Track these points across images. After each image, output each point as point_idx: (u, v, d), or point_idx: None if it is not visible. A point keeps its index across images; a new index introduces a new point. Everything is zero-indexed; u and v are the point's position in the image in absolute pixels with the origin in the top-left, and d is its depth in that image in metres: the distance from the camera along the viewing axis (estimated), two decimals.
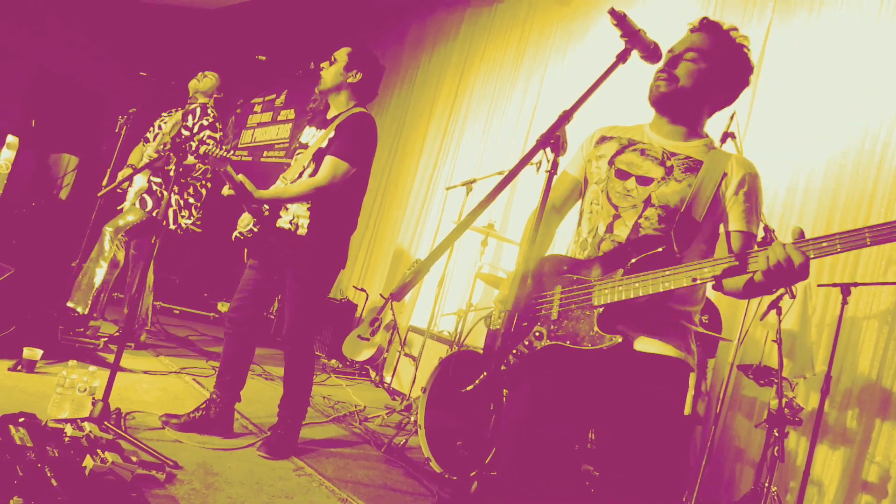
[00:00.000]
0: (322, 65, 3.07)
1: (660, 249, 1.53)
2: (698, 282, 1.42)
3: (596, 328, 1.52)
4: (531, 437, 1.64)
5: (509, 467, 1.68)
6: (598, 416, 1.63)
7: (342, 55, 3.07)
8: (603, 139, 1.80)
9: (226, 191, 2.80)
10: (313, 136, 3.09)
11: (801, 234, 1.31)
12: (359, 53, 3.09)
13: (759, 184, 1.65)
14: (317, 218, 2.93)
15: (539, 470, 1.64)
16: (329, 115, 3.11)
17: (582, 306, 1.57)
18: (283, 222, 2.96)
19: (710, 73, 1.65)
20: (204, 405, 2.98)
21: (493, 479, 2.77)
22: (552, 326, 1.61)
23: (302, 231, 2.93)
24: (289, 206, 2.96)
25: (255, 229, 2.95)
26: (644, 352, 1.56)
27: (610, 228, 1.65)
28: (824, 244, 1.26)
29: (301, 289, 2.95)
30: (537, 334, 1.62)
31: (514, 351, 1.64)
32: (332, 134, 2.98)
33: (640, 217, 1.62)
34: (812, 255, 1.28)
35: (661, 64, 1.64)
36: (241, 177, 2.75)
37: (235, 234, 3.01)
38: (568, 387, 1.63)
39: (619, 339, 1.49)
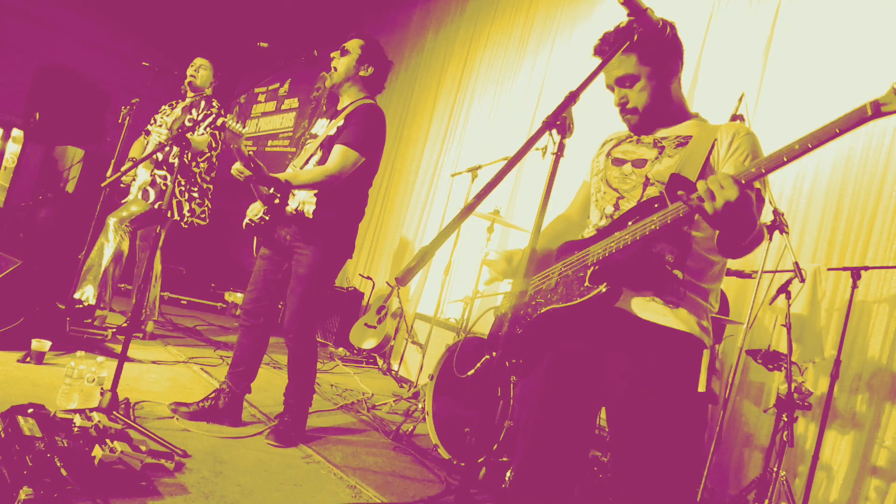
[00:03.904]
0: (332, 55, 3.04)
1: (655, 206, 1.50)
2: (681, 215, 1.38)
3: (587, 283, 1.52)
4: (547, 421, 1.64)
5: (524, 451, 1.68)
6: (607, 391, 1.61)
7: (354, 47, 3.03)
8: (605, 143, 1.87)
9: (235, 169, 2.76)
10: (322, 127, 3.09)
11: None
12: (371, 47, 3.07)
13: (756, 140, 1.62)
14: (322, 203, 2.93)
15: (557, 455, 1.63)
16: (339, 107, 3.10)
17: (577, 269, 1.58)
18: (290, 209, 2.96)
19: (656, 77, 1.67)
20: (213, 395, 2.99)
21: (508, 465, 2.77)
22: (549, 295, 1.62)
23: (308, 215, 2.93)
24: (296, 192, 2.96)
25: (266, 217, 2.94)
26: (657, 323, 1.54)
27: (617, 206, 1.67)
28: (752, 169, 1.27)
29: (305, 274, 2.94)
30: (535, 304, 1.63)
31: (517, 327, 1.64)
32: (341, 123, 2.98)
33: (642, 196, 1.63)
34: (763, 171, 1.26)
35: (616, 99, 1.71)
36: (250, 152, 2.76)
37: (246, 221, 3.00)
38: (573, 357, 1.63)
39: (604, 287, 1.48)
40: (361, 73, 3.05)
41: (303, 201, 2.94)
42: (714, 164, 1.59)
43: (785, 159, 1.23)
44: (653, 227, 1.43)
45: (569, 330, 1.63)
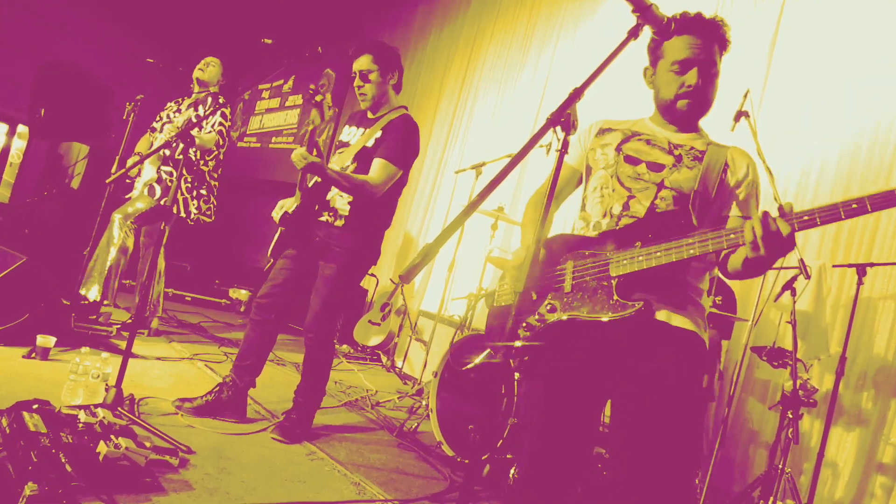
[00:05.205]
0: (356, 84, 3.00)
1: (682, 221, 1.54)
2: (726, 247, 1.42)
3: (616, 297, 1.51)
4: (554, 420, 1.63)
5: (534, 453, 1.66)
6: (615, 388, 1.61)
7: (370, 65, 2.98)
8: (603, 131, 1.83)
9: (299, 154, 2.73)
10: (354, 135, 3.07)
11: (790, 209, 1.35)
12: (383, 54, 3.02)
13: (756, 169, 1.72)
14: (356, 210, 2.95)
15: (563, 454, 1.63)
16: (372, 115, 3.08)
17: (598, 277, 1.56)
18: (323, 218, 2.97)
19: (718, 76, 1.71)
20: (217, 388, 3.00)
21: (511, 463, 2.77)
22: (565, 299, 1.58)
23: (339, 223, 2.95)
24: (331, 196, 2.97)
25: (297, 211, 2.95)
26: (665, 322, 1.56)
27: (626, 207, 1.65)
28: (805, 217, 1.31)
29: (332, 276, 2.96)
30: (549, 307, 1.60)
31: (524, 325, 1.61)
32: (378, 134, 2.97)
33: (655, 198, 1.63)
34: (797, 227, 1.32)
35: (690, 77, 1.65)
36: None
37: (281, 213, 2.99)
38: (587, 363, 1.61)
39: (641, 305, 1.47)
40: (392, 83, 3.06)
41: (337, 207, 2.96)
42: (726, 185, 1.65)
43: (818, 221, 1.30)
44: (692, 251, 1.45)
45: (587, 335, 1.59)
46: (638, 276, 1.52)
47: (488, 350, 3.07)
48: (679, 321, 1.57)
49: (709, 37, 1.66)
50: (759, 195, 1.71)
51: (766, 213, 1.33)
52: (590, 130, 1.85)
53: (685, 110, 1.68)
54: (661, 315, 1.57)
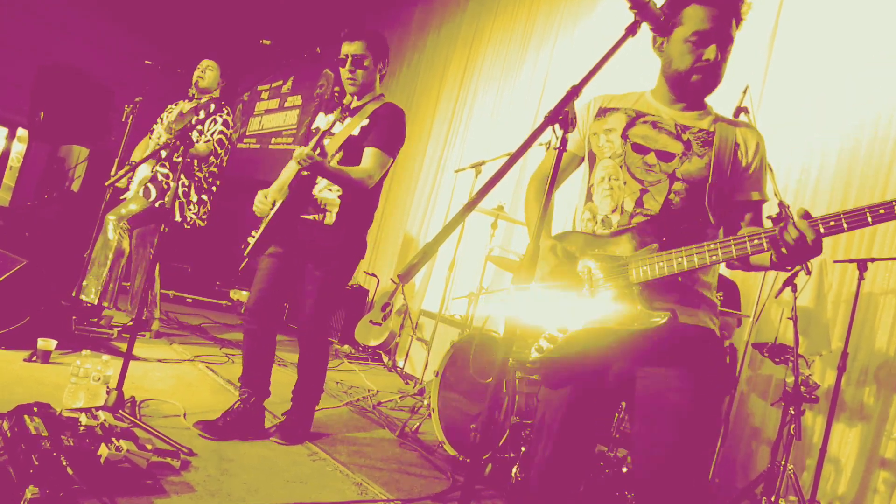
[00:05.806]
0: (348, 69, 2.96)
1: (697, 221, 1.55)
2: (750, 252, 1.40)
3: (640, 306, 1.49)
4: (573, 427, 1.63)
5: (549, 458, 1.65)
6: (631, 388, 1.59)
7: (363, 51, 2.94)
8: (604, 111, 1.76)
9: (302, 154, 2.64)
10: (338, 125, 3.01)
11: (807, 213, 1.34)
12: (377, 42, 2.99)
13: (766, 146, 1.69)
14: (344, 206, 2.90)
15: (577, 458, 1.64)
16: (354, 104, 3.03)
17: (619, 284, 1.53)
18: (309, 217, 2.91)
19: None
20: (235, 407, 2.86)
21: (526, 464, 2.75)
22: (588, 306, 1.56)
23: (329, 220, 2.90)
24: (319, 193, 2.92)
25: (279, 207, 2.89)
26: (684, 323, 1.55)
27: (640, 203, 1.61)
28: (831, 223, 1.30)
29: (323, 277, 2.93)
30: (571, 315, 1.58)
31: (546, 335, 1.58)
32: (364, 122, 2.93)
33: (669, 192, 1.60)
34: (822, 231, 1.31)
35: (710, 52, 1.60)
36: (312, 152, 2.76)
37: (268, 206, 2.92)
38: (608, 369, 1.59)
39: (668, 316, 1.45)
40: (381, 72, 3.04)
41: (325, 200, 2.90)
42: (737, 168, 1.63)
43: (846, 227, 1.29)
44: (715, 257, 1.43)
45: (609, 341, 1.57)
46: (658, 281, 1.50)
47: (510, 360, 3.04)
48: (695, 320, 1.57)
49: (728, 10, 1.61)
50: (768, 171, 1.68)
51: (794, 222, 1.33)
52: (588, 110, 1.79)
53: (698, 85, 1.64)
54: (682, 318, 1.55)
